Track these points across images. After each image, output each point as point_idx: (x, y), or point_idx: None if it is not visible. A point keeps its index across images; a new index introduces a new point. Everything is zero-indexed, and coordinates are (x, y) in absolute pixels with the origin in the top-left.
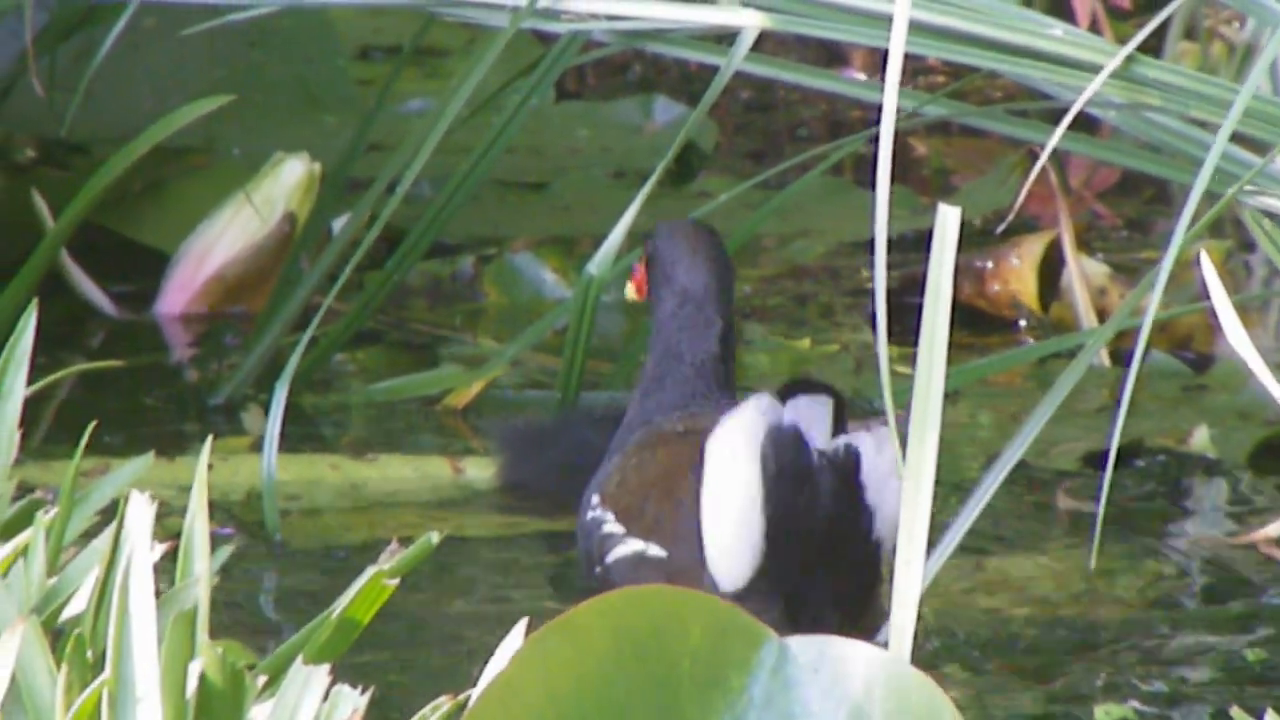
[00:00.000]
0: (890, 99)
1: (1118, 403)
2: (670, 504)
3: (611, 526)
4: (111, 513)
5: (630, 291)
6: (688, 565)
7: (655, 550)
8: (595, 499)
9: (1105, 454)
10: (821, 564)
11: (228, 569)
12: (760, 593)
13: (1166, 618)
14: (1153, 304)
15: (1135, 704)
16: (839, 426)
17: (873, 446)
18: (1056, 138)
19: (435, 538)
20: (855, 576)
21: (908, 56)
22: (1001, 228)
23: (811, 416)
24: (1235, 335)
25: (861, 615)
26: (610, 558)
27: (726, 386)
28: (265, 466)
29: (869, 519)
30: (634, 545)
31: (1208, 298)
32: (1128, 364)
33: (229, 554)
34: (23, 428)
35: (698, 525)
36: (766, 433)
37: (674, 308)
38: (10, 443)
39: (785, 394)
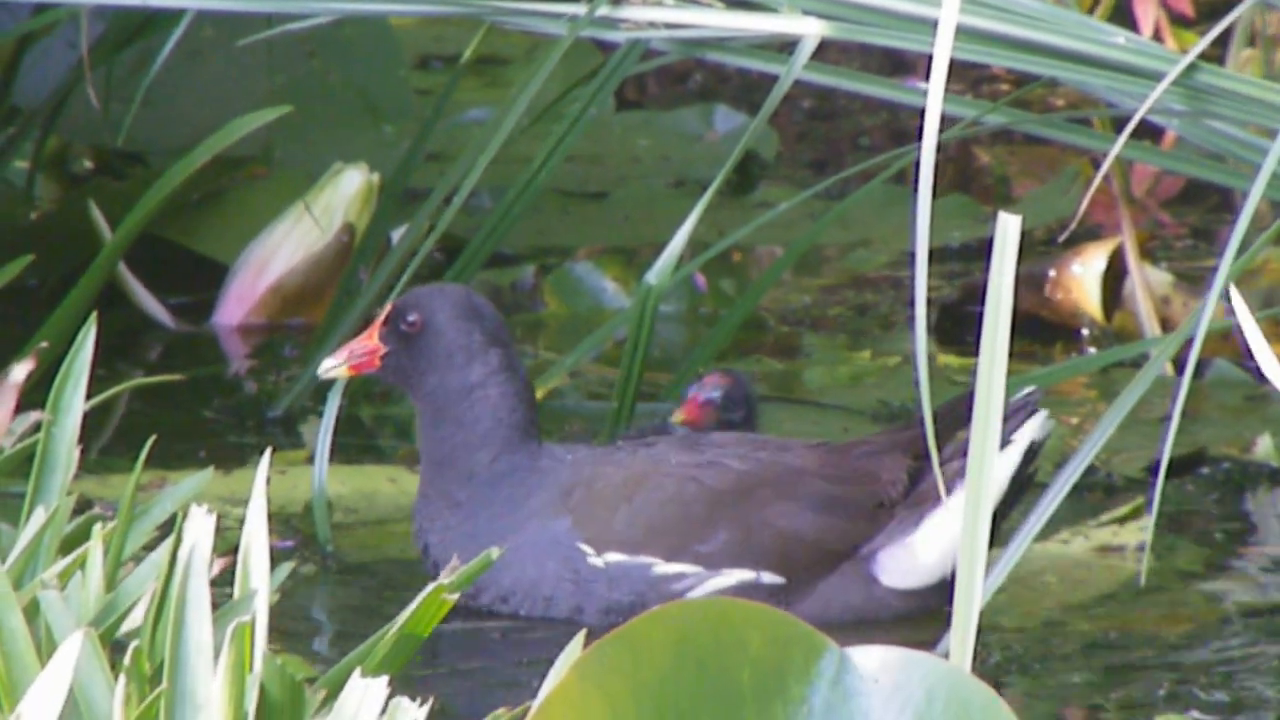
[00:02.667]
0: (934, 105)
1: (1169, 415)
2: (748, 518)
3: (674, 567)
4: (170, 526)
5: (339, 370)
6: (806, 588)
7: (770, 578)
8: (589, 548)
9: (1170, 463)
10: None
11: (286, 581)
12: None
13: (1230, 627)
14: (1204, 314)
15: (1196, 713)
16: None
17: None
18: (1119, 146)
19: (495, 553)
20: None
21: (971, 65)
22: (1064, 236)
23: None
24: (1264, 359)
25: None
26: (698, 593)
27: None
28: (315, 479)
29: None
30: (733, 576)
31: (1272, 305)
32: (1197, 374)
33: (288, 570)
34: (81, 442)
35: (806, 540)
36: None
37: (478, 379)
38: (70, 458)
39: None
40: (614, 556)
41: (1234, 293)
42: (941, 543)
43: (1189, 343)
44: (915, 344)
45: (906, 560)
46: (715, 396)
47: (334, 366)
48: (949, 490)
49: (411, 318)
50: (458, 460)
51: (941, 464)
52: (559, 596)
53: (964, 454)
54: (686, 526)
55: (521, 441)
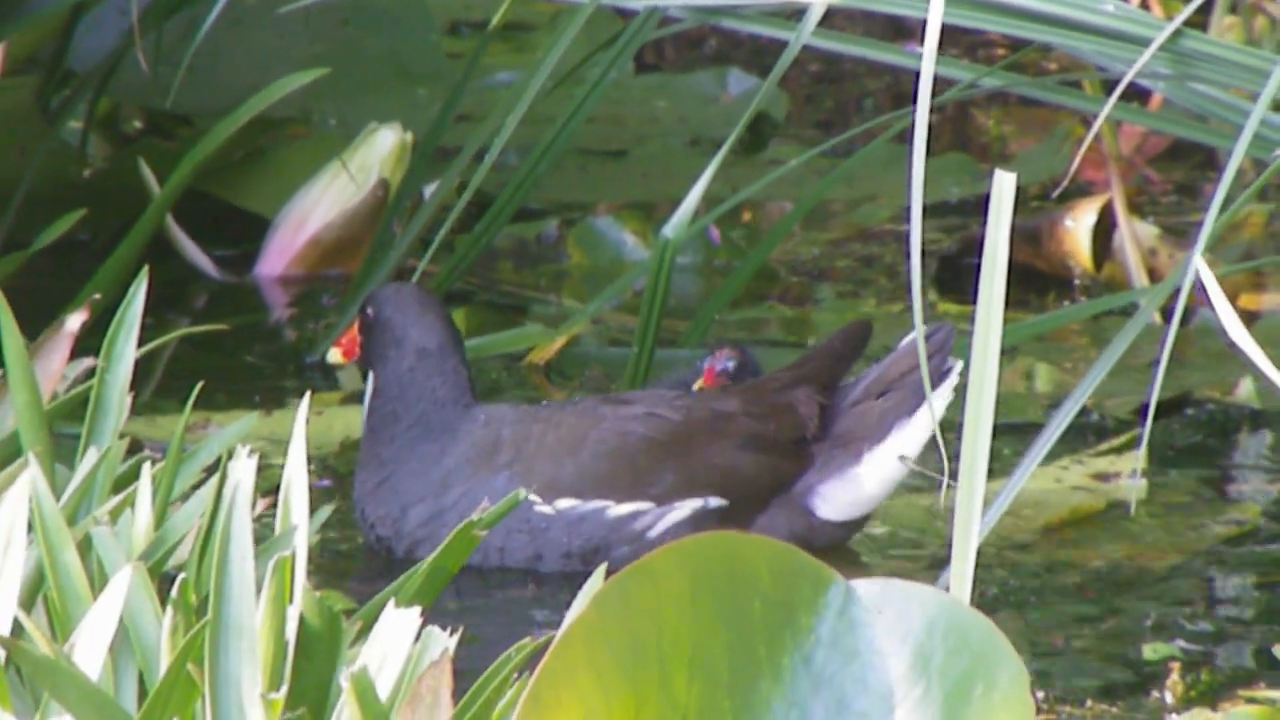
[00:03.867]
0: (928, 69)
1: (1157, 360)
2: (690, 459)
3: (627, 507)
4: (215, 466)
5: (336, 355)
6: (748, 508)
7: (716, 501)
8: (536, 497)
9: (1156, 405)
10: None
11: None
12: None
13: (1213, 561)
14: (1190, 266)
15: (1181, 643)
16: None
17: None
18: (1109, 107)
19: (523, 493)
20: None
21: (968, 31)
22: (1057, 192)
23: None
24: (1235, 331)
25: None
26: (656, 531)
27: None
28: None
29: None
30: (686, 507)
31: (1252, 258)
32: (1183, 322)
33: (328, 513)
34: (131, 387)
35: (746, 464)
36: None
37: (410, 364)
38: (122, 404)
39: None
40: (566, 503)
41: (1203, 268)
42: (881, 476)
43: (1175, 292)
44: (911, 287)
45: (848, 494)
46: (729, 367)
47: (335, 353)
48: (885, 425)
49: (369, 311)
50: (385, 427)
51: (853, 396)
52: (512, 546)
53: (882, 389)
54: (635, 472)
55: (445, 409)
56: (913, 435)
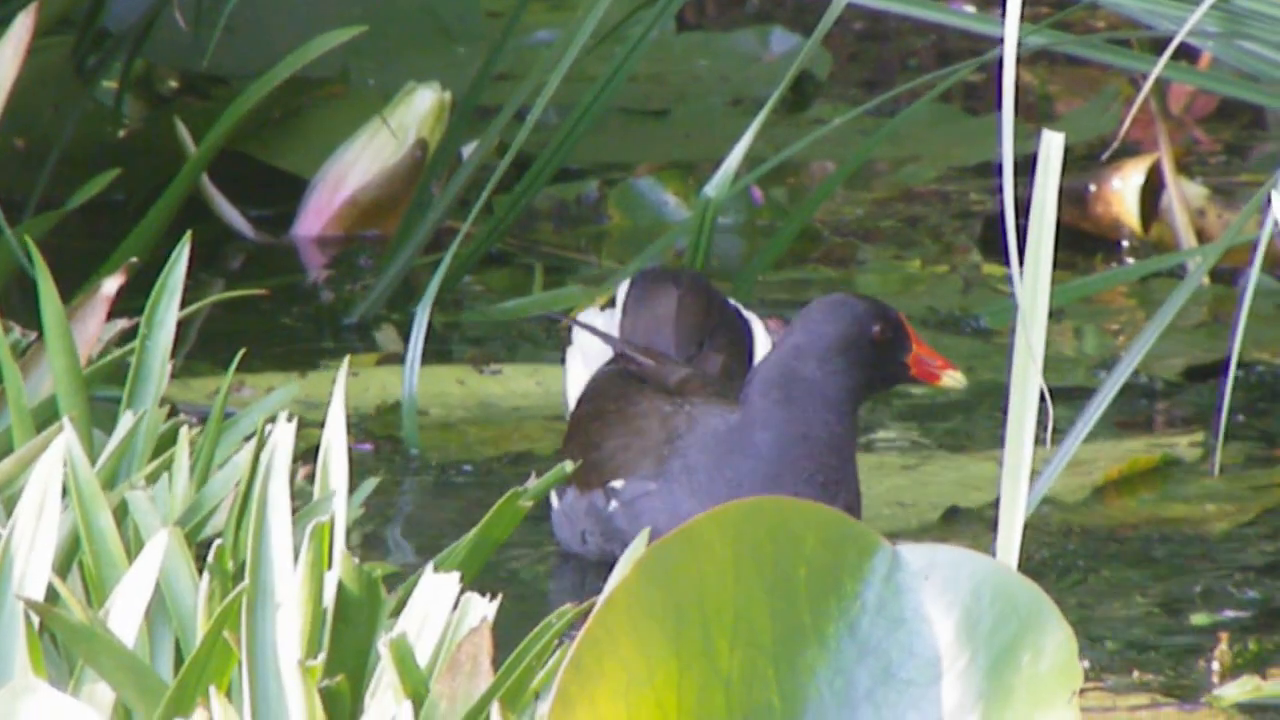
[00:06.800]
0: (1012, 31)
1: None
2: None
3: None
4: (252, 434)
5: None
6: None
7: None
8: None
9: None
10: None
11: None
12: None
13: (1264, 526)
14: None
15: (1230, 612)
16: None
17: None
18: (1159, 68)
19: (569, 466)
20: None
21: None
22: (1106, 154)
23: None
24: None
25: None
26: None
27: None
28: (406, 386)
29: None
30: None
31: None
32: (1230, 283)
33: (373, 486)
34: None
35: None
36: None
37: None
38: (163, 370)
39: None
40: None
41: (1276, 199)
42: None
43: (1225, 253)
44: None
45: None
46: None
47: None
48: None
49: None
50: None
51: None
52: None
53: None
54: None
55: None
56: None
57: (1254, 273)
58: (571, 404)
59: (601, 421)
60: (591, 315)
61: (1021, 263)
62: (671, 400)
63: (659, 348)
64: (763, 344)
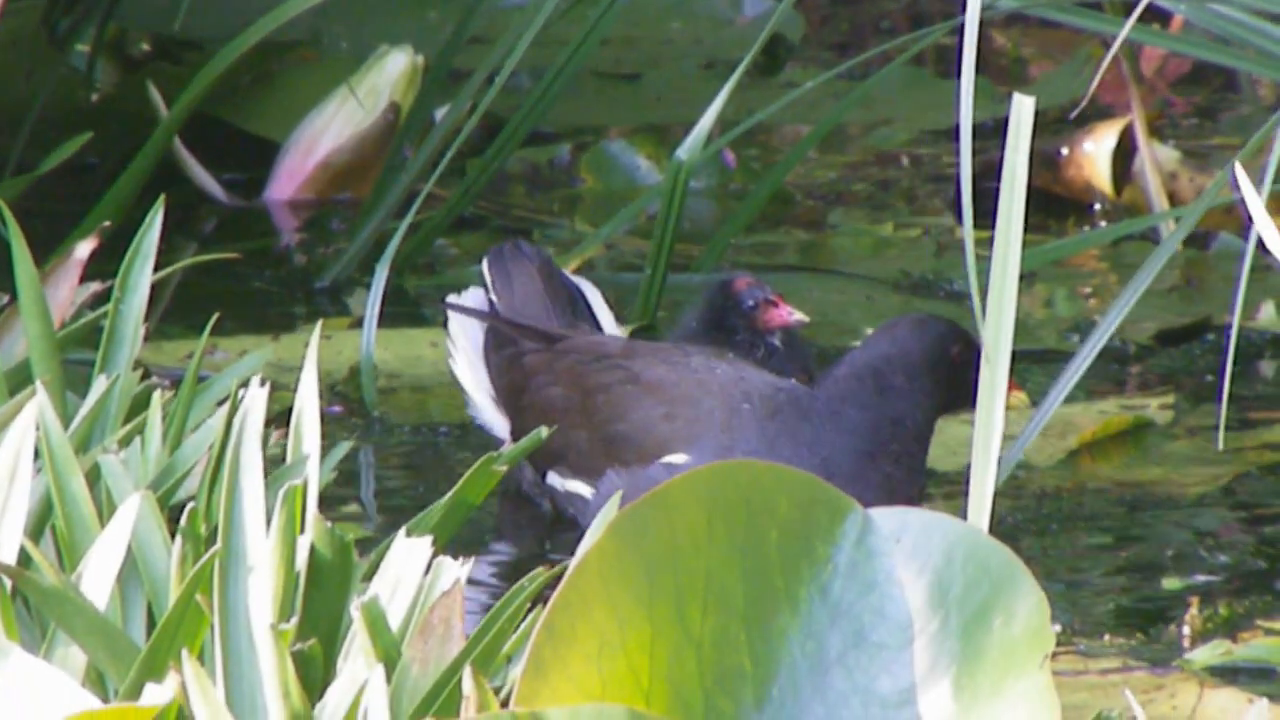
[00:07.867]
0: None
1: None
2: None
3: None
4: (225, 398)
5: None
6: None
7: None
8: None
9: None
10: None
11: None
12: None
13: (1238, 491)
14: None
15: (1201, 576)
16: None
17: None
18: (1127, 29)
19: (544, 432)
20: None
21: None
22: (1075, 113)
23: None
24: (1267, 232)
25: None
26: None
27: None
28: (364, 345)
29: None
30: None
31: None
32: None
33: (345, 450)
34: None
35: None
36: None
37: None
38: (136, 334)
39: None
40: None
41: (1239, 171)
42: None
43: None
44: (962, 220)
45: None
46: (760, 295)
47: None
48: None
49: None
50: None
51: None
52: None
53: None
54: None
55: None
56: None
57: (1253, 234)
58: (475, 383)
59: (607, 395)
60: (465, 297)
61: (992, 226)
62: (706, 365)
63: (539, 320)
64: (599, 307)
